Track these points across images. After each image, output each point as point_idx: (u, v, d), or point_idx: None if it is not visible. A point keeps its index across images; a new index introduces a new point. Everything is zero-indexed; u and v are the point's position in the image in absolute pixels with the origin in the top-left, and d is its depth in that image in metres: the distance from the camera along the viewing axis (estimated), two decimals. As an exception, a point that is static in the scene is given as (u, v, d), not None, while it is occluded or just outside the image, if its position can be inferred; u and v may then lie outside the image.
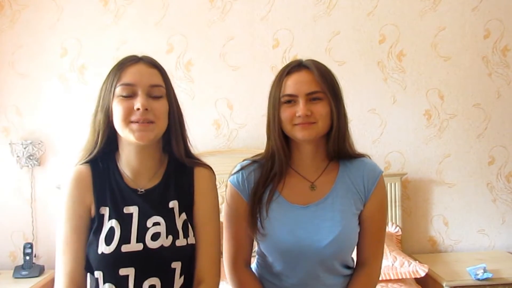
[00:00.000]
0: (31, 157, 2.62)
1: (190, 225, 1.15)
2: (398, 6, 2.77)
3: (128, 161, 1.16)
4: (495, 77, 2.80)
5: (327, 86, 1.22)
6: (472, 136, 2.80)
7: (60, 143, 2.70)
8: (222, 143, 2.76)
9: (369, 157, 1.34)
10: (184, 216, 1.15)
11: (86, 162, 1.16)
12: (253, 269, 1.36)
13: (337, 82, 1.27)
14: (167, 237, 1.09)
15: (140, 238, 1.08)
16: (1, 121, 2.70)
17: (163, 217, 1.11)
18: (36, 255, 2.60)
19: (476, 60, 2.79)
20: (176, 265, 1.10)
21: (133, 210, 1.12)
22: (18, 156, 2.62)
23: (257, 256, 1.37)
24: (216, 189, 1.24)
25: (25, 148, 2.61)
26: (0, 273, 2.59)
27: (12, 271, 2.54)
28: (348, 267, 1.31)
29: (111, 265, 1.07)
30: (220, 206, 1.25)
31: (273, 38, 2.76)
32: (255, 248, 1.36)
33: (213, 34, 2.74)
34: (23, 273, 2.49)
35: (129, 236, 1.08)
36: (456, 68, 2.79)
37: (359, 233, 1.28)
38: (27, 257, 2.51)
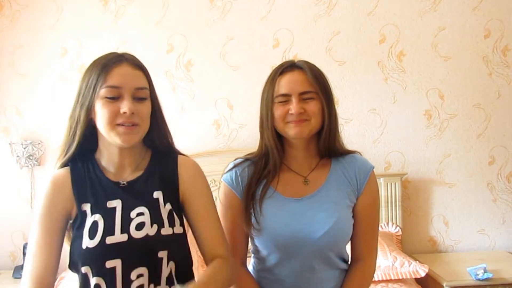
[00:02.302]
0: (31, 157, 2.62)
1: (177, 215, 1.14)
2: (398, 6, 2.77)
3: (110, 157, 1.16)
4: (495, 77, 2.79)
5: (319, 86, 1.26)
6: (472, 136, 2.80)
7: (60, 143, 2.69)
8: (222, 143, 2.76)
9: (360, 154, 1.37)
10: (169, 206, 1.14)
11: (65, 165, 1.16)
12: (251, 269, 1.38)
13: (328, 83, 1.30)
14: (151, 226, 1.08)
15: (125, 229, 1.07)
16: (1, 121, 2.69)
17: (147, 207, 1.11)
18: (36, 255, 2.60)
19: (476, 60, 2.79)
20: (163, 254, 1.09)
21: (116, 204, 1.11)
22: (18, 156, 2.62)
23: (252, 255, 1.38)
24: (204, 175, 1.23)
25: (25, 148, 2.61)
26: (0, 273, 2.59)
27: (12, 271, 2.54)
28: (343, 260, 1.33)
29: (97, 258, 1.05)
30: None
31: (273, 38, 2.76)
32: (250, 248, 1.37)
33: (213, 34, 2.74)
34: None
35: (113, 228, 1.07)
36: (456, 68, 2.79)
37: (353, 229, 1.30)
38: (27, 257, 2.51)
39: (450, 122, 2.79)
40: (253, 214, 1.27)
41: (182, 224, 1.15)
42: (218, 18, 2.74)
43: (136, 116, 1.09)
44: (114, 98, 1.09)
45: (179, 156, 1.22)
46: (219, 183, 1.37)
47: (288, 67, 1.28)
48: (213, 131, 2.76)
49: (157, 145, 1.21)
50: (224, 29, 2.74)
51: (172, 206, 1.14)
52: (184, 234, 1.15)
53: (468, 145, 2.80)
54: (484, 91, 2.80)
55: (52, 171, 1.17)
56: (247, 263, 1.38)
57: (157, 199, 1.14)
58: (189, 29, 2.73)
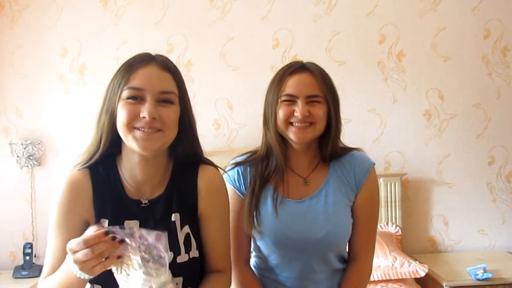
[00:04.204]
0: (31, 157, 2.62)
1: (193, 236, 1.09)
2: (398, 6, 2.77)
3: (131, 169, 1.09)
4: (495, 77, 2.79)
5: (327, 90, 1.25)
6: (472, 136, 2.80)
7: (60, 143, 2.70)
8: (222, 143, 2.76)
9: (360, 150, 1.37)
10: (186, 229, 1.09)
11: (85, 168, 1.08)
12: (252, 267, 1.38)
13: (335, 88, 1.30)
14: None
15: None
16: (1, 121, 2.70)
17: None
18: (36, 255, 2.60)
19: (476, 60, 2.79)
20: (178, 281, 1.06)
21: (134, 224, 1.05)
22: (18, 156, 2.62)
23: (253, 253, 1.38)
24: (224, 190, 1.17)
25: (25, 148, 2.61)
26: (0, 273, 2.59)
27: (12, 271, 2.54)
28: (343, 260, 1.34)
29: (110, 281, 1.00)
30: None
31: (273, 38, 2.75)
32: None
33: (213, 34, 2.74)
34: (23, 273, 2.49)
35: None
36: (456, 68, 2.79)
37: (351, 227, 1.30)
38: (27, 257, 2.51)
39: (449, 122, 2.79)
40: (255, 216, 1.27)
41: (199, 246, 1.11)
42: (218, 18, 2.74)
43: (158, 121, 1.01)
44: (136, 99, 1.00)
45: (201, 167, 1.14)
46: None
47: (298, 68, 1.27)
48: (213, 131, 2.76)
49: (180, 156, 1.12)
50: (224, 29, 2.74)
51: (190, 228, 1.09)
52: (199, 256, 1.11)
53: (467, 145, 2.80)
54: (483, 91, 2.80)
55: (70, 172, 1.08)
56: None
57: (174, 222, 1.08)
58: (189, 29, 2.73)
